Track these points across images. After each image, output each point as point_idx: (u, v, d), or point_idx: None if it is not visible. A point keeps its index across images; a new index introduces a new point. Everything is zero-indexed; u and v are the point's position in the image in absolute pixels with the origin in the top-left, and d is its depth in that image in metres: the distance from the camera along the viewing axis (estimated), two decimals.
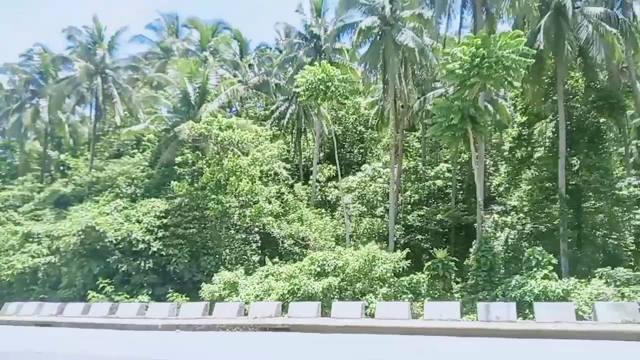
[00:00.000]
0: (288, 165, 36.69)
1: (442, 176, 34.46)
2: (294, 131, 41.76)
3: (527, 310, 15.71)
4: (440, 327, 14.20)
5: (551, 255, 18.09)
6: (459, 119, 18.69)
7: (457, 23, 27.67)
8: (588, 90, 26.37)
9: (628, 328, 12.55)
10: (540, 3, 24.16)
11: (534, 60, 18.49)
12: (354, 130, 44.04)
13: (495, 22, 24.51)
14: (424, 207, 33.92)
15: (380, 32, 29.04)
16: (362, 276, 19.02)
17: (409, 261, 21.03)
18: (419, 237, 31.53)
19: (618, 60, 22.13)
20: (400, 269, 24.43)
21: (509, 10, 22.72)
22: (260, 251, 27.85)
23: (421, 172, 36.83)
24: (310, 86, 26.14)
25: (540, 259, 17.80)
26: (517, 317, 14.76)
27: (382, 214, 33.07)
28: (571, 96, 26.89)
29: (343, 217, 30.16)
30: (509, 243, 25.72)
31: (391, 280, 19.38)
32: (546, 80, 26.37)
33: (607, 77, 23.94)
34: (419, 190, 35.25)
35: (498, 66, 17.83)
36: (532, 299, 15.89)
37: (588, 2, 25.03)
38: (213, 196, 25.89)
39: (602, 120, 26.87)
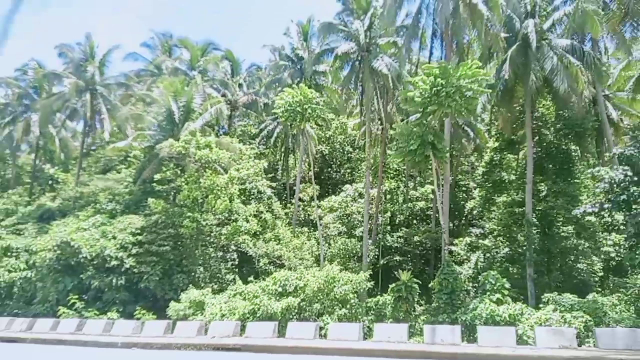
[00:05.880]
0: (274, 184, 37.14)
1: (427, 198, 34.96)
2: (282, 150, 42.38)
3: (477, 334, 16.00)
4: (386, 348, 14.51)
5: (504, 280, 18.43)
6: (417, 144, 19.27)
7: (435, 51, 28.52)
8: (558, 117, 27.05)
9: (560, 353, 12.87)
10: (510, 34, 25.05)
11: (490, 90, 19.09)
12: (342, 150, 44.61)
13: (465, 51, 25.23)
14: (403, 228, 34.34)
15: (358, 58, 29.94)
16: (322, 297, 19.34)
17: (391, 283, 21.46)
18: (398, 258, 31.81)
19: (582, 91, 22.74)
20: (370, 290, 24.97)
21: (473, 40, 23.40)
22: (237, 270, 28.24)
23: (402, 193, 37.38)
24: (288, 108, 26.71)
25: (493, 283, 18.14)
26: (462, 341, 15.07)
27: (361, 234, 33.47)
28: (541, 123, 27.53)
29: (322, 236, 30.56)
30: (479, 266, 25.99)
31: (352, 301, 19.66)
32: (517, 108, 27.03)
33: (571, 105, 24.52)
34: (401, 212, 35.75)
35: (456, 95, 18.47)
36: (482, 323, 16.21)
37: (559, 34, 25.82)
38: (189, 214, 26.37)
39: (573, 147, 27.50)
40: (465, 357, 13.66)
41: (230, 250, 28.92)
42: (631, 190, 17.01)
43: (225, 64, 46.34)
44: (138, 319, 22.04)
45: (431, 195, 33.83)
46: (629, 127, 27.78)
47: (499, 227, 28.02)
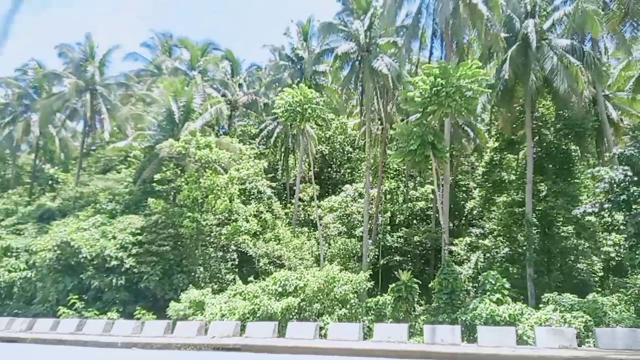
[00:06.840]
0: (274, 184, 37.09)
1: (427, 198, 34.95)
2: (282, 150, 42.36)
3: (477, 334, 16.00)
4: (386, 348, 14.51)
5: (504, 280, 18.43)
6: (417, 144, 19.29)
7: (435, 51, 28.49)
8: (558, 117, 27.06)
9: (560, 353, 12.86)
10: (510, 34, 25.04)
11: (490, 90, 19.09)
12: (342, 150, 44.59)
13: (465, 51, 25.22)
14: (403, 228, 34.33)
15: (358, 58, 29.93)
16: (322, 297, 19.33)
17: (391, 283, 21.48)
18: (398, 258, 31.79)
19: (582, 91, 22.74)
20: (370, 290, 24.97)
21: (473, 40, 23.39)
22: (237, 270, 28.23)
23: (402, 193, 37.38)
24: (288, 108, 26.67)
25: (493, 283, 18.14)
26: (462, 341, 15.06)
27: (361, 234, 33.45)
28: (542, 123, 27.53)
29: (322, 236, 30.54)
30: (479, 266, 25.99)
31: (352, 301, 19.66)
32: (517, 108, 27.03)
33: (571, 105, 24.53)
34: (401, 212, 35.75)
35: (456, 95, 18.47)
36: (482, 323, 16.20)
37: (559, 34, 25.81)
38: (189, 214, 26.35)
39: (573, 147, 27.50)
40: (465, 357, 13.67)
41: (230, 250, 28.91)
42: (631, 190, 17.01)
43: (225, 64, 46.31)
44: (138, 319, 22.05)
45: (431, 195, 33.80)
46: (629, 127, 27.78)
47: (499, 227, 28.03)
